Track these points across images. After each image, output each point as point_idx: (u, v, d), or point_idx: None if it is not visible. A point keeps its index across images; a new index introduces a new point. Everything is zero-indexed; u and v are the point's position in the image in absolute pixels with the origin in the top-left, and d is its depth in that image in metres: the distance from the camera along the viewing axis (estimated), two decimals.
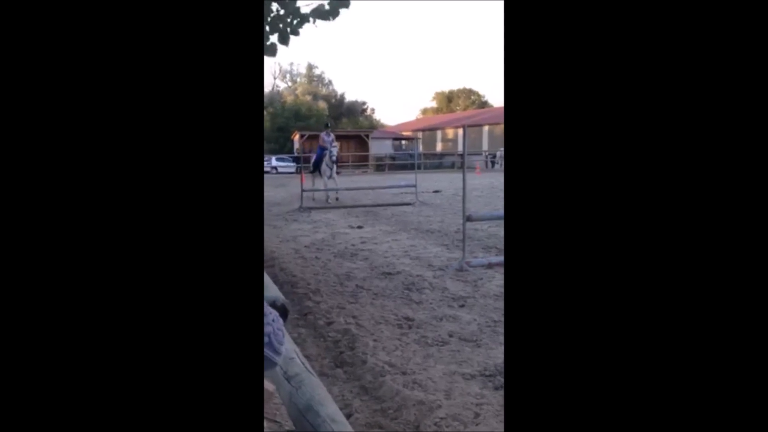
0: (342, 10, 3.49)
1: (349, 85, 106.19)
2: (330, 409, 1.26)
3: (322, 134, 13.17)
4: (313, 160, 13.75)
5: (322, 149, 12.88)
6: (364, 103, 50.22)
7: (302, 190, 10.47)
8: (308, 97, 44.67)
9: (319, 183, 13.13)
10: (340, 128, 38.50)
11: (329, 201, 12.28)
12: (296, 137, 34.16)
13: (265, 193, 13.41)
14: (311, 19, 3.54)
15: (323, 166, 12.69)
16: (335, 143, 13.02)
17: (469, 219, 5.08)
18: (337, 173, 13.12)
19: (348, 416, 2.13)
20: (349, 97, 49.64)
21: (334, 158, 12.66)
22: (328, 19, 3.52)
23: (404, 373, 2.52)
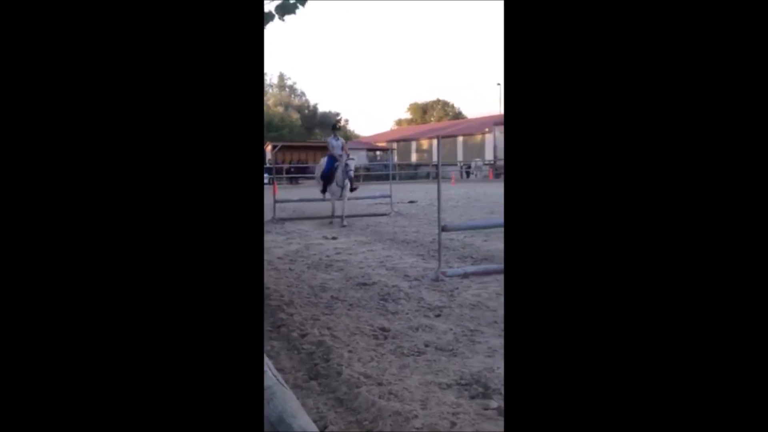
0: (311, 9, 3.36)
1: (323, 96, 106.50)
2: (302, 420, 1.24)
3: (329, 139, 10.00)
4: (320, 173, 10.15)
5: (333, 159, 9.63)
6: (338, 114, 50.39)
7: (275, 201, 10.38)
8: (280, 108, 44.53)
9: (332, 201, 10.15)
10: (313, 139, 38.41)
11: (344, 223, 9.29)
12: (268, 148, 33.99)
13: None
14: (276, 16, 3.36)
15: (333, 186, 9.52)
16: (350, 157, 9.72)
17: (444, 229, 5.11)
18: (353, 189, 9.72)
19: (323, 428, 2.10)
20: (323, 108, 49.74)
21: (351, 173, 9.42)
22: (294, 13, 3.37)
23: (380, 384, 2.50)
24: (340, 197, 9.44)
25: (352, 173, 9.45)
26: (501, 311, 3.69)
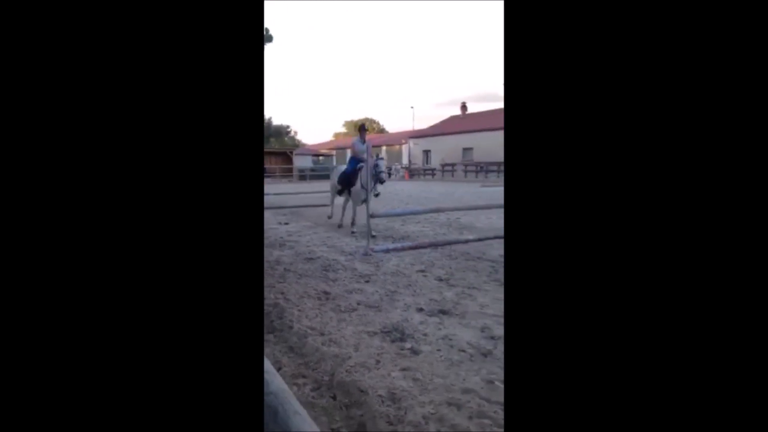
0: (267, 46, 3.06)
1: (276, 111, 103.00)
2: (264, 363, 1.22)
3: (355, 140, 6.43)
4: (339, 175, 6.69)
5: (356, 162, 6.30)
6: (288, 126, 49.00)
7: None
8: None
9: (343, 206, 7.01)
10: (268, 147, 37.18)
11: (354, 230, 6.28)
12: None
13: None
14: None
15: (357, 187, 6.16)
16: (380, 157, 6.17)
17: (372, 216, 5.13)
18: (376, 195, 6.07)
19: (278, 369, 2.07)
20: (276, 121, 48.20)
21: (382, 174, 5.87)
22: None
23: (322, 334, 2.50)
24: (363, 201, 5.98)
25: (383, 175, 5.88)
26: (414, 277, 3.77)
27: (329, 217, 6.98)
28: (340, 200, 6.96)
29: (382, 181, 5.86)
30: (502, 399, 1.77)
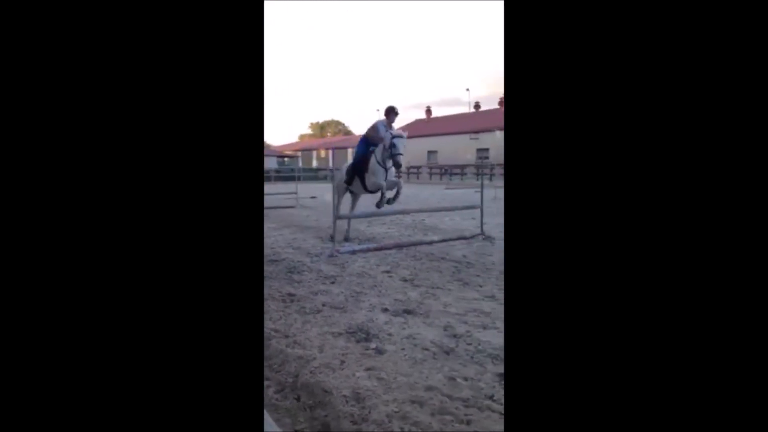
0: None
1: None
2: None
3: (378, 123, 4.88)
4: (347, 166, 5.35)
5: (368, 145, 4.91)
6: None
7: None
8: None
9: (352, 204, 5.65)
10: None
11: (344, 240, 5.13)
12: None
13: None
14: None
15: (369, 175, 4.79)
16: (399, 134, 4.63)
17: (338, 218, 5.11)
18: (390, 201, 4.89)
19: None
20: None
21: (399, 157, 4.50)
22: None
23: (287, 336, 2.46)
24: (385, 179, 4.67)
25: (401, 158, 4.46)
26: (380, 278, 3.77)
27: (332, 238, 4.75)
28: (345, 205, 5.53)
29: (398, 165, 4.46)
30: (463, 395, 1.80)
